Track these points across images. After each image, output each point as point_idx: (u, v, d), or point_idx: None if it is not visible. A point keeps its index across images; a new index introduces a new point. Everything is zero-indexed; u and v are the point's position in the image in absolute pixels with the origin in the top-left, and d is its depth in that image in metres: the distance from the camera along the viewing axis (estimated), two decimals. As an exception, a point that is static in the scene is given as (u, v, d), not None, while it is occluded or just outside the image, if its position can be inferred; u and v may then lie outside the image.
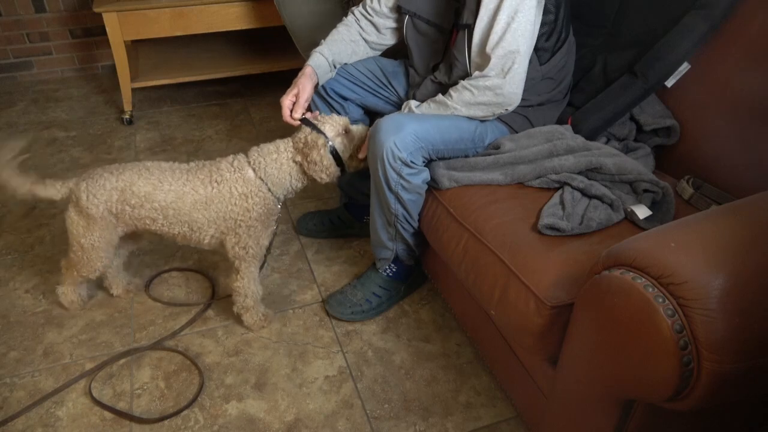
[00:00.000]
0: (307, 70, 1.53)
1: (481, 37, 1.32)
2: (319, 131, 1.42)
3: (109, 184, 1.40)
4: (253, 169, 1.43)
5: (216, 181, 1.41)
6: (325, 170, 1.43)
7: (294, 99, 1.49)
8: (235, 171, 1.42)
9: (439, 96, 1.40)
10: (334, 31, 1.61)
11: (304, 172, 1.46)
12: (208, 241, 1.48)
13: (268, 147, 1.46)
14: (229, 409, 1.40)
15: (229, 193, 1.41)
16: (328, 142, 1.41)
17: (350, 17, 1.63)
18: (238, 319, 1.62)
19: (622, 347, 0.87)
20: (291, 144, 1.45)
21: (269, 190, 1.44)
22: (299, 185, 1.48)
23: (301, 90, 1.49)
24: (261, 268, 1.59)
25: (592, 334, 0.95)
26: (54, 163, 2.37)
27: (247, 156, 1.45)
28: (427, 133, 1.35)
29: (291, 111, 1.49)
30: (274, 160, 1.43)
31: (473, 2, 1.32)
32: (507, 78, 1.31)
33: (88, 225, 1.43)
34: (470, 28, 1.34)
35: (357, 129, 1.48)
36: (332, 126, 1.44)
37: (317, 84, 1.56)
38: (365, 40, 1.63)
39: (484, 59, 1.32)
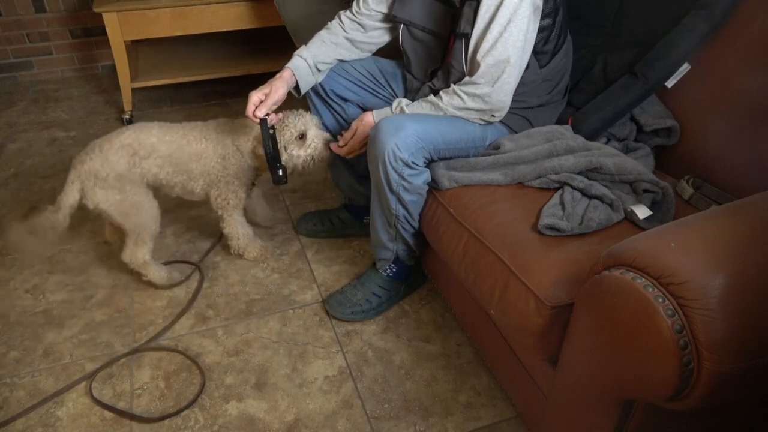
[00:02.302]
0: (285, 73, 1.52)
1: (475, 45, 1.32)
2: (268, 138, 1.49)
3: (117, 142, 1.59)
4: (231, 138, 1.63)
5: (205, 139, 1.63)
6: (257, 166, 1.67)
7: (263, 97, 1.48)
8: (218, 134, 1.64)
9: (431, 96, 1.40)
10: (315, 36, 1.60)
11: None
12: (198, 191, 1.69)
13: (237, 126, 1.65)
14: (229, 409, 1.40)
15: (213, 151, 1.63)
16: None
17: (334, 21, 1.62)
18: (238, 317, 1.63)
19: (622, 347, 0.87)
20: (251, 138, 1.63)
21: (243, 155, 1.65)
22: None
23: (273, 91, 1.48)
24: (250, 192, 1.81)
25: (592, 334, 0.95)
26: (54, 164, 2.37)
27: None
28: (428, 134, 1.35)
29: (257, 108, 1.49)
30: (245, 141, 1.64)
31: (470, 12, 1.33)
32: (495, 86, 1.32)
33: (120, 187, 1.55)
34: (467, 38, 1.34)
35: (313, 136, 1.58)
36: (289, 131, 1.56)
37: (297, 87, 1.55)
38: (350, 40, 1.60)
39: (476, 66, 1.33)
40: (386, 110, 1.45)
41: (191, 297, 1.71)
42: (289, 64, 1.54)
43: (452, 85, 1.37)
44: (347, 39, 1.60)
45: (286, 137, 1.55)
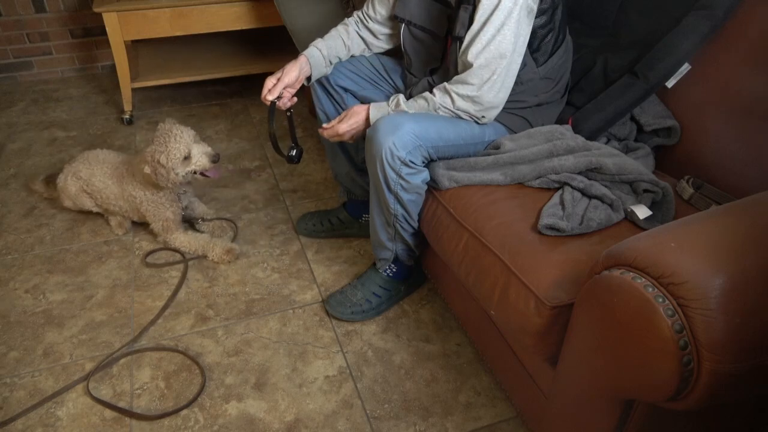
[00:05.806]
0: (301, 58, 1.56)
1: (467, 45, 1.33)
2: (273, 121, 1.53)
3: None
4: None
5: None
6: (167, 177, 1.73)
7: (275, 81, 1.52)
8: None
9: (427, 93, 1.41)
10: (332, 30, 1.65)
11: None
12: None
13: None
14: (229, 409, 1.40)
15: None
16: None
17: (350, 19, 1.66)
18: (238, 317, 1.63)
19: (622, 347, 0.87)
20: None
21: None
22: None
23: (285, 74, 1.52)
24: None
25: (592, 334, 0.95)
26: (54, 163, 2.37)
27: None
28: (426, 133, 1.35)
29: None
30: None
31: (466, 16, 1.34)
32: (485, 87, 1.33)
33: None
34: (461, 41, 1.35)
35: (196, 154, 1.73)
36: (174, 156, 1.70)
37: (310, 76, 1.58)
38: (363, 39, 1.64)
39: (467, 67, 1.34)
40: (383, 104, 1.45)
41: (173, 291, 1.72)
42: (305, 52, 1.57)
43: (445, 83, 1.38)
44: (361, 38, 1.64)
45: (172, 161, 1.69)
